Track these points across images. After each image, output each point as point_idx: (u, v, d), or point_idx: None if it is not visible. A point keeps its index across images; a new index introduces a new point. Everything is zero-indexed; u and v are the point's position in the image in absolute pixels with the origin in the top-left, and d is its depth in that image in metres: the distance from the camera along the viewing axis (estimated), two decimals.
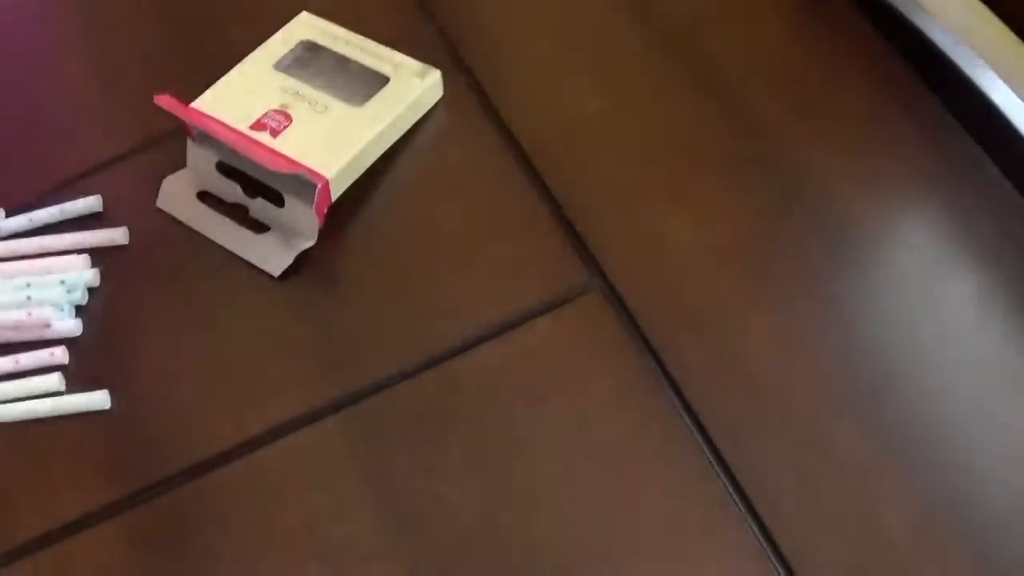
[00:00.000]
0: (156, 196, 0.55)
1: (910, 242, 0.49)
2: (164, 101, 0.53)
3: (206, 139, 0.54)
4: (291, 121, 0.53)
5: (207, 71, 0.57)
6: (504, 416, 0.46)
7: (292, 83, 0.55)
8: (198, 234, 0.54)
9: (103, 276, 0.54)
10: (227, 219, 0.54)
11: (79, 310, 0.53)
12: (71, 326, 0.52)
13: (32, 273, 0.54)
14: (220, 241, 0.53)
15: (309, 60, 0.57)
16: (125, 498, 0.47)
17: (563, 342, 0.48)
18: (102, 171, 0.58)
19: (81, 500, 0.48)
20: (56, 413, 0.50)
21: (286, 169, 0.50)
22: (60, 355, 0.51)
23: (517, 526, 0.44)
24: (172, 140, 0.57)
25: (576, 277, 0.49)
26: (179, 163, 0.56)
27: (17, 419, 0.50)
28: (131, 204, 0.56)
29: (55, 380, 0.50)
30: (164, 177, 0.56)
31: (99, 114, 0.61)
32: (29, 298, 0.52)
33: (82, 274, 0.53)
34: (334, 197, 0.52)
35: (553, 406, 0.46)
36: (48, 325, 0.52)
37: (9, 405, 0.50)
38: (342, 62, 0.56)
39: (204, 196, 0.55)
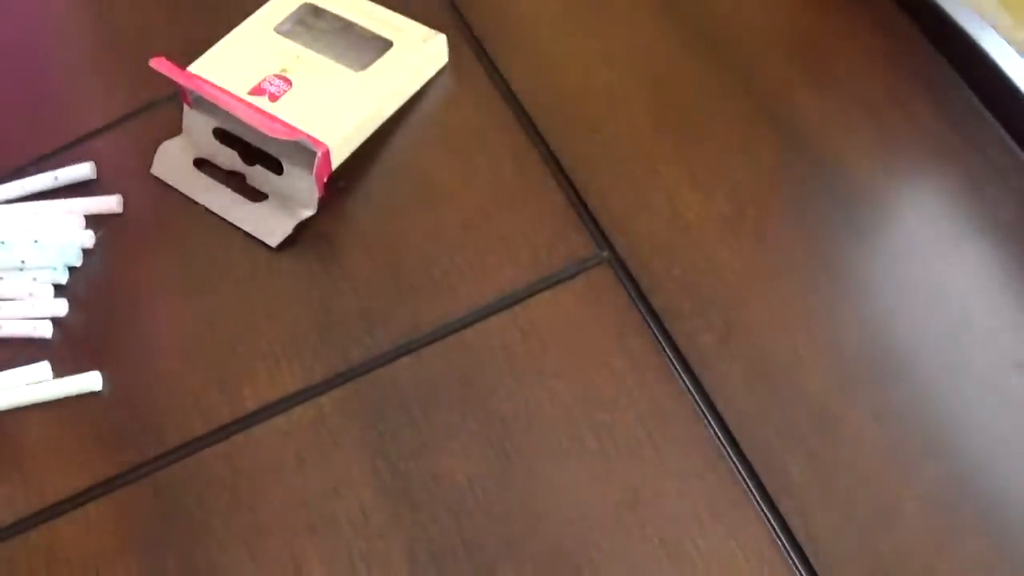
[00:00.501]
0: (151, 163, 0.54)
1: (925, 217, 0.47)
2: (160, 64, 0.51)
3: (203, 104, 0.52)
4: (291, 86, 0.52)
5: (205, 34, 0.56)
6: (507, 392, 0.45)
7: (292, 47, 0.54)
8: (194, 202, 0.52)
9: (96, 244, 0.52)
10: (224, 187, 0.52)
11: (72, 272, 0.52)
12: (57, 306, 0.51)
13: (25, 235, 0.52)
14: (216, 210, 0.51)
15: (311, 23, 0.55)
16: (116, 476, 0.46)
17: (570, 316, 0.46)
18: (95, 137, 0.56)
19: (70, 479, 0.47)
20: (48, 399, 0.49)
21: (285, 136, 0.48)
22: (43, 329, 0.50)
23: (519, 504, 0.42)
24: (167, 105, 0.55)
25: (584, 249, 0.48)
26: (175, 129, 0.54)
27: (8, 407, 0.49)
28: (125, 171, 0.54)
29: (44, 369, 0.49)
30: (159, 144, 0.54)
31: (93, 78, 0.59)
32: (23, 262, 0.51)
33: (76, 235, 0.52)
34: (335, 165, 0.51)
35: (559, 382, 0.45)
36: (36, 296, 0.51)
37: (2, 394, 0.49)
38: (345, 26, 0.54)
39: (200, 163, 0.53)
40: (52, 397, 0.48)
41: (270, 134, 0.48)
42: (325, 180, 0.50)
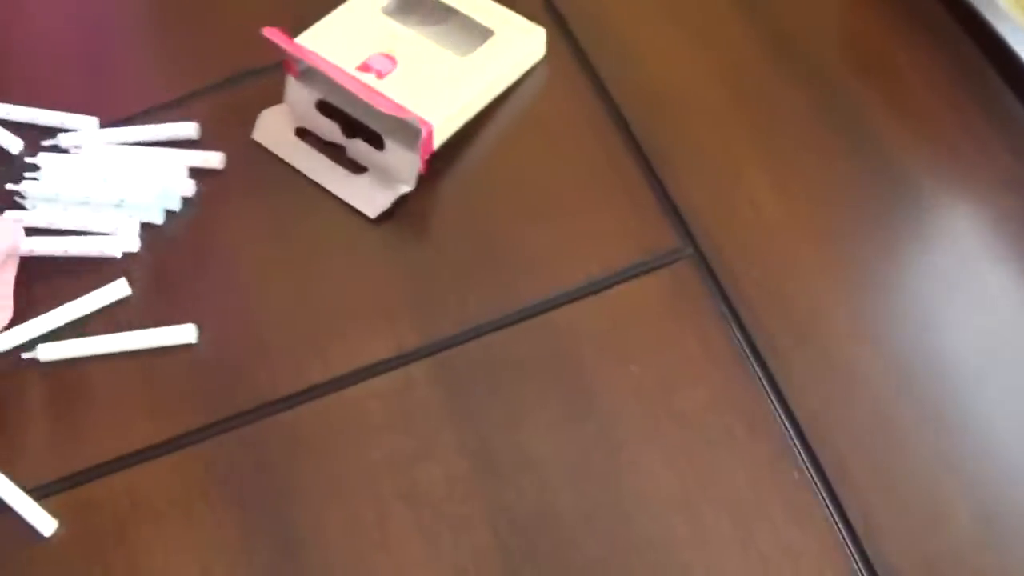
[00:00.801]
0: (250, 129, 0.55)
1: (985, 233, 0.49)
2: (273, 34, 0.52)
3: (309, 76, 0.54)
4: (396, 66, 0.53)
5: (304, 7, 0.57)
6: (590, 374, 0.47)
7: (398, 28, 0.55)
8: (291, 169, 0.54)
9: (195, 197, 0.54)
10: (324, 157, 0.53)
11: (169, 219, 0.53)
12: (131, 243, 0.52)
13: (129, 174, 0.54)
14: (316, 178, 0.53)
15: (414, 7, 0.57)
16: (204, 427, 0.48)
17: (652, 306, 0.48)
18: (196, 98, 0.58)
19: (158, 426, 0.48)
20: (143, 347, 0.50)
21: (397, 112, 0.50)
22: (111, 248, 0.52)
23: (597, 480, 0.44)
24: (267, 74, 0.57)
25: (668, 242, 0.50)
26: (273, 98, 0.56)
27: (105, 352, 0.50)
28: (224, 134, 0.56)
29: (122, 287, 0.51)
30: (258, 110, 0.56)
31: (196, 41, 0.61)
32: (122, 200, 0.53)
33: (179, 181, 0.54)
34: (436, 145, 0.52)
35: (639, 368, 0.47)
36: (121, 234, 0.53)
37: (99, 340, 0.50)
38: (447, 12, 0.56)
39: (300, 133, 0.55)
40: (147, 346, 0.50)
41: (383, 109, 0.50)
42: (426, 158, 0.52)
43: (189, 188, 0.54)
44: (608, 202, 0.51)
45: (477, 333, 0.48)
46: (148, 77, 0.60)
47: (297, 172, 0.54)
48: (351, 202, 0.52)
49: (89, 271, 0.52)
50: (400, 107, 0.51)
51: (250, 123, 0.56)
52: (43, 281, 0.53)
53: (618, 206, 0.51)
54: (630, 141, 0.53)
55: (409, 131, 0.50)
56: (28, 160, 0.56)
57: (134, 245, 0.52)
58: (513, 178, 0.53)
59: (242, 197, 0.54)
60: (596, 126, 0.54)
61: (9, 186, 0.55)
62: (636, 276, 0.49)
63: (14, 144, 0.57)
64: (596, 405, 0.46)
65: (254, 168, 0.55)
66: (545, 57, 0.56)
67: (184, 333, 0.49)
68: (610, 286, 0.49)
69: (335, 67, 0.52)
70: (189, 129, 0.55)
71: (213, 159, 0.54)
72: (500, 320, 0.49)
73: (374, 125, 0.52)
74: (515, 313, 0.49)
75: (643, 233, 0.50)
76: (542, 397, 0.46)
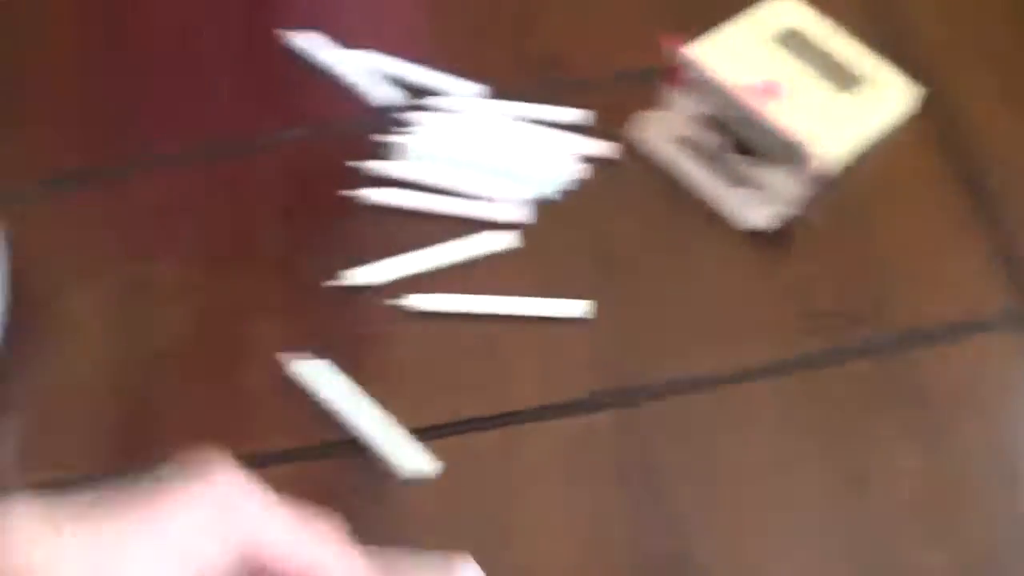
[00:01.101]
0: (621, 128, 0.58)
1: None
2: (674, 43, 0.55)
3: (698, 87, 0.57)
4: (782, 94, 0.56)
5: (684, 16, 0.60)
6: (941, 415, 0.51)
7: (783, 57, 0.58)
8: (666, 173, 0.57)
9: (583, 181, 0.57)
10: (704, 167, 0.57)
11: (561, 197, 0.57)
12: (523, 212, 0.55)
13: (529, 148, 0.57)
14: (696, 186, 0.57)
15: (795, 42, 0.59)
16: (583, 400, 0.51)
17: (995, 366, 0.52)
18: (573, 89, 0.60)
19: (536, 391, 0.52)
20: (538, 314, 0.53)
21: (796, 138, 0.53)
22: (505, 214, 0.55)
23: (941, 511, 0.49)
24: (642, 78, 0.59)
25: (1008, 304, 0.54)
26: (643, 101, 0.59)
27: (496, 312, 0.53)
28: (596, 129, 0.59)
29: (511, 237, 0.54)
30: (629, 112, 0.59)
31: (577, 36, 0.63)
32: (517, 172, 0.56)
33: (576, 163, 0.57)
34: (822, 176, 0.55)
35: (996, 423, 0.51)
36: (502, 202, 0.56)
37: (497, 300, 0.53)
38: (827, 54, 0.59)
39: (679, 140, 0.58)
40: (544, 314, 0.53)
41: (785, 135, 0.53)
42: (815, 186, 0.55)
43: (583, 171, 0.57)
44: (951, 258, 0.55)
45: (829, 361, 0.52)
46: (531, 58, 0.62)
47: (671, 177, 0.57)
48: (730, 214, 0.56)
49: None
50: (796, 134, 0.54)
51: (619, 122, 0.59)
52: (426, 239, 0.55)
53: (961, 264, 0.55)
54: (981, 207, 0.57)
55: (798, 157, 0.54)
56: (398, 116, 0.59)
57: (526, 215, 0.55)
58: (866, 220, 0.57)
59: (620, 190, 0.57)
60: (950, 187, 0.58)
61: (379, 137, 0.58)
62: (976, 333, 0.53)
63: (385, 96, 0.60)
64: (947, 446, 0.50)
65: (631, 166, 0.58)
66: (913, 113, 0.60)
67: (576, 307, 0.53)
68: (958, 340, 0.53)
69: (730, 84, 0.55)
70: (579, 115, 0.58)
71: (606, 148, 0.57)
72: (858, 348, 0.53)
73: (763, 146, 0.56)
74: (872, 343, 0.53)
75: (986, 294, 0.54)
76: (894, 426, 0.50)
